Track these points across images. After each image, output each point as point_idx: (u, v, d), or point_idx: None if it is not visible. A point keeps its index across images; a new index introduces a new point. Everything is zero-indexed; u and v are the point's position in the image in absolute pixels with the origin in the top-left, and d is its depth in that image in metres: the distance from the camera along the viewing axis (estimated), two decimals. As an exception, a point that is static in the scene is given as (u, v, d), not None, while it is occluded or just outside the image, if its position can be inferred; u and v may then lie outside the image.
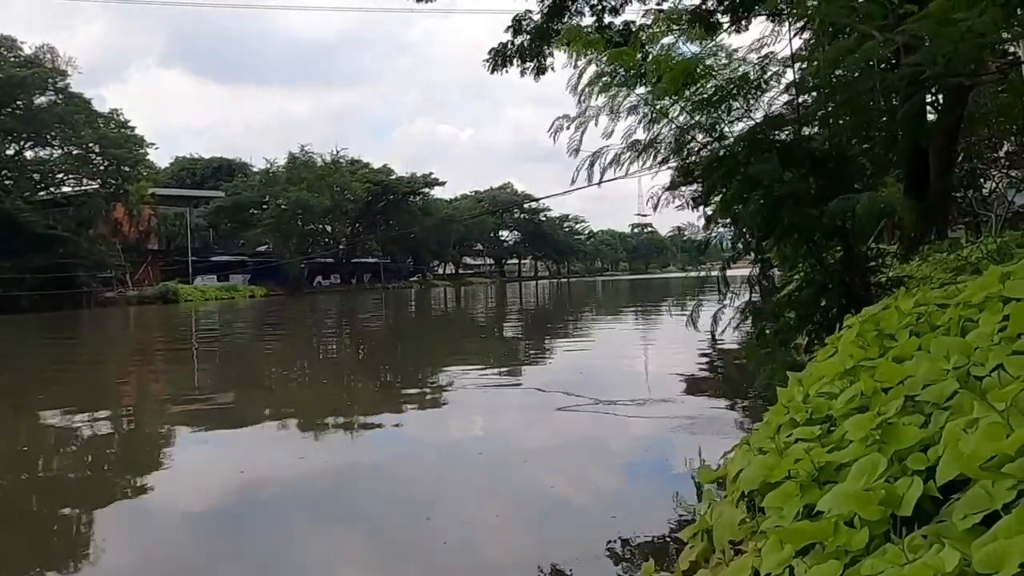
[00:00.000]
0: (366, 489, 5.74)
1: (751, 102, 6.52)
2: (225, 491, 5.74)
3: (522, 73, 8.71)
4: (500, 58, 14.62)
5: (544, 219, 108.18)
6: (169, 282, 53.14)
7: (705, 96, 6.33)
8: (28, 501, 5.84)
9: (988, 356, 2.64)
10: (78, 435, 8.30)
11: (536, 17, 12.79)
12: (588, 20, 13.89)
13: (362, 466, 6.46)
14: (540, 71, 8.30)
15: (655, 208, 6.66)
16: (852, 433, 2.46)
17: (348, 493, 5.61)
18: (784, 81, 6.67)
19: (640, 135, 6.56)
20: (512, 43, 14.39)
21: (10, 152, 46.84)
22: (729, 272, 6.99)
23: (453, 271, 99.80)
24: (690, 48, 7.05)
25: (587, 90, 6.26)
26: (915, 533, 1.68)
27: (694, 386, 9.55)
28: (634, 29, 13.27)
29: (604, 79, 6.43)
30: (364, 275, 79.79)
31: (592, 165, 6.35)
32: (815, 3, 6.30)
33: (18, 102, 44.63)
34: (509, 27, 14.34)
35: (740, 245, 6.90)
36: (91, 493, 5.97)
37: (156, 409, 10.06)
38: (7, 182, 44.49)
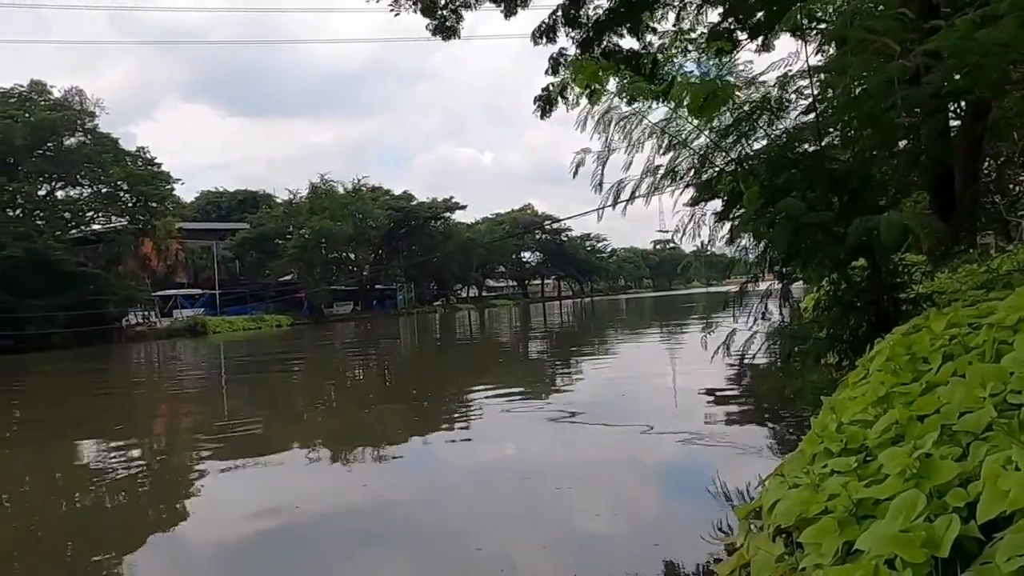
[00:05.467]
0: (429, 518, 5.79)
1: (772, 119, 6.51)
2: (299, 516, 5.95)
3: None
4: (546, 104, 14.93)
5: (566, 239, 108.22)
6: (198, 314, 53.89)
7: (727, 116, 6.31)
8: (85, 537, 5.94)
9: (1025, 383, 2.61)
10: (131, 470, 8.50)
11: (571, 52, 13.15)
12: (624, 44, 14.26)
13: (418, 496, 6.52)
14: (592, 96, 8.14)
15: (682, 235, 6.64)
16: (889, 467, 2.43)
17: (404, 521, 5.72)
18: (805, 97, 6.66)
19: (660, 160, 6.57)
20: (553, 85, 14.68)
21: (42, 192, 47.89)
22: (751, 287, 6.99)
23: (476, 294, 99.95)
24: (711, 68, 7.04)
25: (607, 116, 6.27)
26: (959, 578, 1.65)
27: (727, 404, 9.54)
28: (651, 52, 13.45)
29: (625, 101, 6.41)
30: (386, 300, 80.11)
31: (617, 196, 6.36)
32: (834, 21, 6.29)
33: (49, 144, 45.66)
34: (547, 69, 14.69)
35: (763, 262, 6.88)
36: (149, 526, 6.11)
37: (221, 441, 10.05)
38: (39, 222, 45.42)
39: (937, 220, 7.68)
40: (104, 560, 5.33)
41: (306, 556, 4.93)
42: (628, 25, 13.70)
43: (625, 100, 6.30)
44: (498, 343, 29.15)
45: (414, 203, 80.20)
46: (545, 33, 14.20)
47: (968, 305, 4.60)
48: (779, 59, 6.37)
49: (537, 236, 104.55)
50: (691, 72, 6.61)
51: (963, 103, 9.96)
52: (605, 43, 13.96)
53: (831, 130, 6.59)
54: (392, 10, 13.78)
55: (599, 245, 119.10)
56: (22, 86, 46.79)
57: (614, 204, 6.45)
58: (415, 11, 13.88)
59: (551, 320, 46.40)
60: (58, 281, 42.03)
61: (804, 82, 6.54)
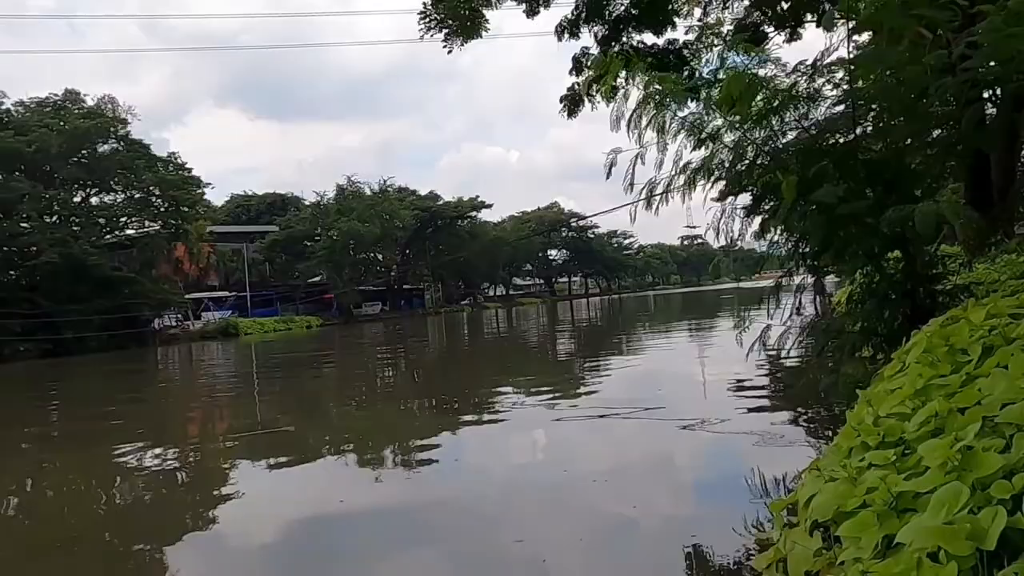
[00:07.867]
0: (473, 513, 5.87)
1: (804, 110, 6.41)
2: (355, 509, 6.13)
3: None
4: (573, 103, 14.94)
5: (592, 236, 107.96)
6: (229, 317, 54.75)
7: (759, 107, 6.22)
8: (136, 532, 6.08)
9: (1070, 373, 2.55)
10: (180, 467, 8.74)
11: (594, 52, 13.21)
12: (638, 39, 14.21)
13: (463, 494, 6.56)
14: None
15: (715, 232, 6.57)
16: (929, 459, 2.39)
17: (448, 514, 5.81)
18: (838, 88, 6.55)
19: (689, 155, 6.51)
20: (578, 84, 14.66)
21: (77, 199, 49.01)
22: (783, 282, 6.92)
23: (504, 292, 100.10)
24: (742, 60, 6.93)
25: (636, 114, 6.21)
26: (1007, 570, 1.62)
27: (760, 399, 9.48)
28: (678, 47, 13.34)
29: (655, 98, 6.32)
30: (414, 300, 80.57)
31: (650, 194, 6.32)
32: (871, 11, 6.15)
33: (83, 151, 46.70)
34: (571, 69, 14.69)
35: (795, 256, 6.79)
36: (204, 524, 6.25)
37: (267, 438, 10.18)
38: (75, 228, 46.40)
39: (973, 210, 7.50)
40: (154, 553, 5.48)
41: (351, 547, 5.10)
42: (650, 20, 13.61)
43: (654, 96, 6.23)
44: (529, 341, 29.14)
45: (440, 203, 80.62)
46: (568, 28, 14.19)
47: (1008, 295, 4.52)
48: (814, 53, 6.30)
49: (564, 234, 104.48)
50: (719, 62, 6.47)
51: (999, 91, 9.72)
52: (625, 40, 13.90)
53: (864, 120, 6.48)
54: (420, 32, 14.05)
55: (626, 242, 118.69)
56: (57, 95, 47.97)
57: (648, 203, 6.41)
58: (439, 14, 13.98)
59: (580, 317, 46.30)
60: (94, 286, 42.92)
61: (838, 73, 6.44)
